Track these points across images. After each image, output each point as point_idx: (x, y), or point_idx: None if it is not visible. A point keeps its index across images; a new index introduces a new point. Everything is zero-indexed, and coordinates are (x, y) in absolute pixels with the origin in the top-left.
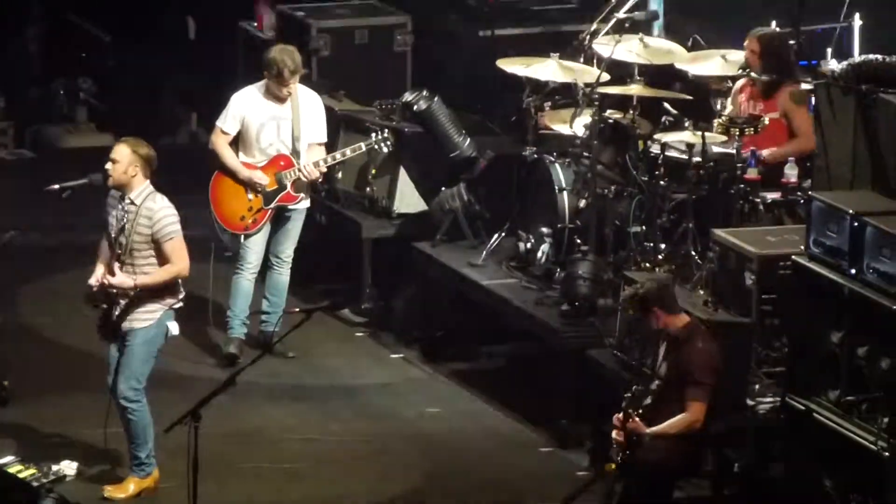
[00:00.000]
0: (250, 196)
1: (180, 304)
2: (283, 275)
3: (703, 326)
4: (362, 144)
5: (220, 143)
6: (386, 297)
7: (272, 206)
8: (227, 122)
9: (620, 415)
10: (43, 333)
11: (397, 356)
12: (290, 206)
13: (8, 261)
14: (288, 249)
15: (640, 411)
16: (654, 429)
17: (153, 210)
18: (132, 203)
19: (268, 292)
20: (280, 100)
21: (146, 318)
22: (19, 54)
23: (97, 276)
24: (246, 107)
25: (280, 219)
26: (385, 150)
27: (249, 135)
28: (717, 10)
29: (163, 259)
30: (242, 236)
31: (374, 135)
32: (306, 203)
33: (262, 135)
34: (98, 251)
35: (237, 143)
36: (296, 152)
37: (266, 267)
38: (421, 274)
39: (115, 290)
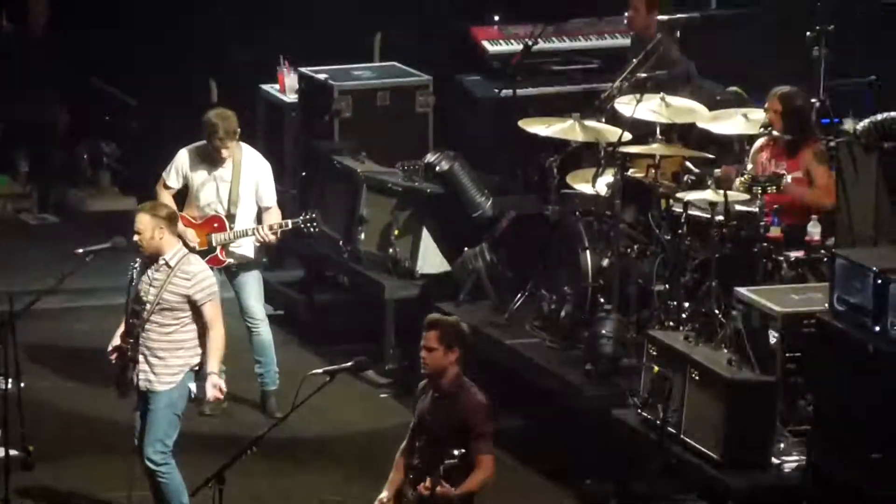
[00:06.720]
0: None
1: (198, 364)
2: (261, 334)
3: (468, 380)
4: (289, 222)
5: (160, 194)
6: (410, 358)
7: None
8: (171, 176)
9: (427, 483)
10: (67, 397)
11: None
12: (217, 269)
13: (32, 325)
14: (253, 308)
15: (412, 474)
16: (459, 491)
17: (192, 273)
18: (167, 265)
19: (255, 355)
20: (218, 161)
21: (170, 381)
22: (43, 118)
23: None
24: (189, 164)
25: (229, 283)
26: (312, 231)
27: (191, 191)
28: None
29: (199, 319)
30: None
31: (303, 215)
32: (248, 258)
33: (202, 193)
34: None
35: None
36: (230, 216)
37: (247, 330)
38: None
39: (129, 348)
